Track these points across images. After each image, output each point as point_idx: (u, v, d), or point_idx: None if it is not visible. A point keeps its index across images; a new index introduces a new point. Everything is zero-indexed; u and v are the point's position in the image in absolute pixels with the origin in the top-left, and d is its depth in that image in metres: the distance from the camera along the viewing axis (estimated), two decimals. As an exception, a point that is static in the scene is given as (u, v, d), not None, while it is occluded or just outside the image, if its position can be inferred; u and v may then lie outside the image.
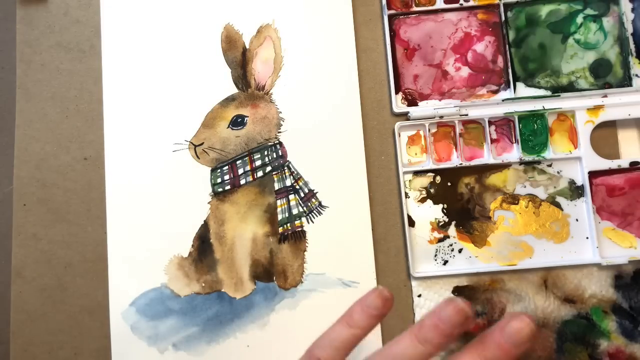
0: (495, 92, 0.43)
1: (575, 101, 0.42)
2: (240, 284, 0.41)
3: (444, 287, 0.41)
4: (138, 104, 0.43)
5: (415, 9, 0.44)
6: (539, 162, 0.42)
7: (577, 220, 0.42)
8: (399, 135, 0.42)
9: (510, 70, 0.43)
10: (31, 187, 0.42)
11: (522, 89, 0.43)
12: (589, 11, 0.44)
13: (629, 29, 0.43)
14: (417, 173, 0.42)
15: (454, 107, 0.42)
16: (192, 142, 0.43)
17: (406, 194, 0.42)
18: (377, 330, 0.40)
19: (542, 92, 0.43)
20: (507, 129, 0.43)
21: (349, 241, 0.41)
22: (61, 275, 0.41)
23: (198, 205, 0.42)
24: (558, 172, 0.42)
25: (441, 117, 0.42)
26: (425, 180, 0.42)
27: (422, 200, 0.42)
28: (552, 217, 0.42)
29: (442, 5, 0.43)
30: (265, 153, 0.42)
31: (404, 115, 0.43)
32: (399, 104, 0.43)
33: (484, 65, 0.43)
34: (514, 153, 0.42)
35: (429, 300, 0.41)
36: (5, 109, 0.44)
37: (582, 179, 0.42)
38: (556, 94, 0.42)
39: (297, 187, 0.42)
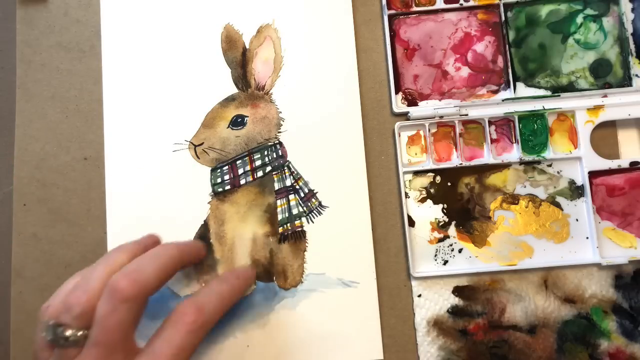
0: (495, 92, 0.43)
1: (575, 101, 0.42)
2: (240, 284, 0.41)
3: (444, 287, 0.41)
4: (138, 104, 0.43)
5: (415, 9, 0.44)
6: (539, 162, 0.42)
7: (577, 220, 0.42)
8: (399, 135, 0.42)
9: (510, 70, 0.43)
10: (31, 187, 0.42)
11: (522, 89, 0.43)
12: (589, 11, 0.44)
13: (629, 29, 0.43)
14: (417, 173, 0.42)
15: (454, 107, 0.42)
16: (192, 142, 0.43)
17: (406, 194, 0.42)
18: (377, 329, 0.40)
19: (542, 92, 0.43)
20: (507, 129, 0.43)
21: (349, 241, 0.41)
22: (61, 275, 0.41)
23: (198, 205, 0.42)
24: (558, 172, 0.42)
25: (441, 117, 0.42)
26: (425, 180, 0.42)
27: (422, 200, 0.42)
28: (552, 217, 0.42)
29: (442, 5, 0.43)
30: (265, 153, 0.42)
31: (404, 115, 0.43)
32: (399, 104, 0.43)
33: (484, 65, 0.43)
34: (514, 153, 0.42)
35: (429, 300, 0.41)
36: (5, 109, 0.44)
37: (582, 179, 0.42)
38: (556, 94, 0.42)
39: (297, 187, 0.42)
